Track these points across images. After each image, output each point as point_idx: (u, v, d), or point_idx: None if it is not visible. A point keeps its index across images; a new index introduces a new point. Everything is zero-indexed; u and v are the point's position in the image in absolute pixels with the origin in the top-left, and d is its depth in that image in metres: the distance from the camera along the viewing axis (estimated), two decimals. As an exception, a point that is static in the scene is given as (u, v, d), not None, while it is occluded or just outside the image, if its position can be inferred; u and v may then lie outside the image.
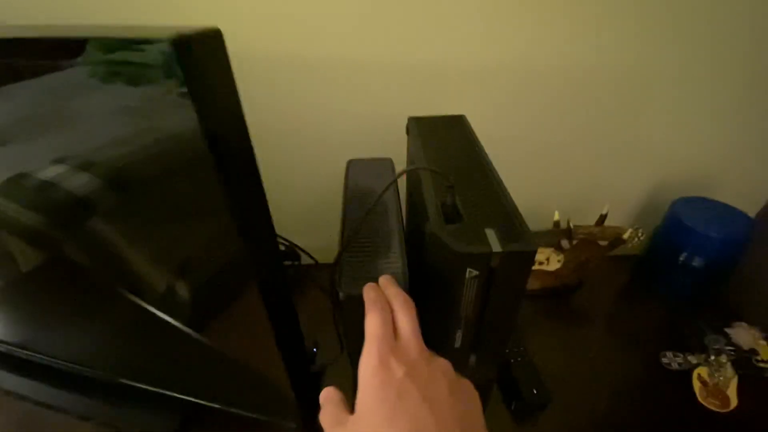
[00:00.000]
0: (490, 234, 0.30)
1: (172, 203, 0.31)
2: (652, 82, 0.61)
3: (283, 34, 0.55)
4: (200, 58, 0.20)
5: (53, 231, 0.38)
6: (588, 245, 0.66)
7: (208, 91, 0.21)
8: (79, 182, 0.32)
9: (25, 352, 0.55)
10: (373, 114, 0.62)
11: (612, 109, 0.63)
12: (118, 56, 0.23)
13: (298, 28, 0.54)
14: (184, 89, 0.20)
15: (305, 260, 0.73)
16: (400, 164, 0.53)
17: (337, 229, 0.41)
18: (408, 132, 0.51)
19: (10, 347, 0.56)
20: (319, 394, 0.29)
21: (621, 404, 0.54)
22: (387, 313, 0.28)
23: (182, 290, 0.37)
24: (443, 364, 0.26)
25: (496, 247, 0.29)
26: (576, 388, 0.55)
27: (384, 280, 0.31)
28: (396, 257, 0.37)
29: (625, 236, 0.62)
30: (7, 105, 0.31)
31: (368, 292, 0.30)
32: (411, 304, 0.29)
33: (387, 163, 0.53)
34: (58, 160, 0.32)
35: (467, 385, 0.27)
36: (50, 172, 0.33)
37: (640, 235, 0.62)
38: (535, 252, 0.29)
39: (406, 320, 0.28)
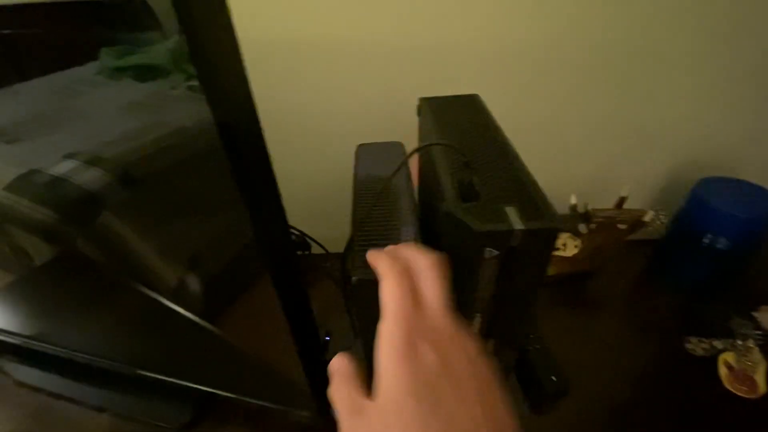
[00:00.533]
0: (510, 211, 0.28)
1: (182, 191, 0.31)
2: (669, 58, 0.58)
3: (285, 15, 0.53)
4: (200, 9, 0.19)
5: (66, 225, 0.38)
6: (606, 229, 0.64)
7: (209, 50, 0.20)
8: (91, 176, 0.32)
9: (41, 344, 0.55)
10: (381, 97, 0.60)
11: (629, 87, 0.61)
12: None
13: (299, 8, 0.53)
14: (185, 49, 0.19)
15: (315, 250, 0.72)
16: (412, 147, 0.52)
17: (348, 217, 0.40)
18: (419, 113, 0.50)
19: (25, 339, 0.56)
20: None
21: (643, 392, 0.52)
22: (407, 280, 0.23)
23: (196, 282, 0.37)
24: (476, 348, 0.23)
25: (517, 224, 0.27)
26: (596, 376, 0.54)
27: (399, 245, 0.27)
28: (410, 240, 0.35)
29: (646, 219, 0.60)
30: (16, 103, 0.31)
31: (378, 256, 0.25)
32: (438, 263, 0.24)
33: (398, 147, 0.51)
34: (69, 155, 0.32)
35: (494, 378, 0.23)
36: (62, 168, 0.33)
37: (662, 217, 0.60)
38: (559, 229, 0.28)
39: (433, 286, 0.23)
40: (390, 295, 0.23)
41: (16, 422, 0.53)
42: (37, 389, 0.56)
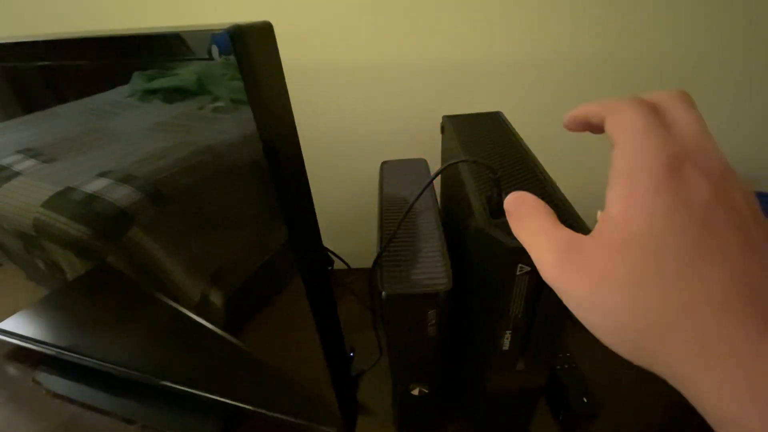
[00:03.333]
0: (541, 227, 0.28)
1: (220, 209, 0.32)
2: (701, 68, 0.57)
3: (309, 38, 0.55)
4: (255, 49, 0.20)
5: (98, 241, 0.39)
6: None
7: (261, 83, 0.21)
8: (122, 193, 0.33)
9: (73, 354, 0.57)
10: (404, 115, 0.61)
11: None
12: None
13: (323, 32, 0.55)
14: (239, 82, 0.20)
15: (337, 265, 0.72)
16: (435, 164, 0.52)
17: (370, 233, 0.41)
18: (443, 131, 0.51)
19: (59, 350, 0.58)
20: (356, 399, 0.26)
21: (678, 418, 0.50)
22: (649, 110, 0.17)
23: (226, 297, 0.38)
24: (752, 195, 0.16)
25: (549, 240, 0.27)
26: (628, 397, 0.52)
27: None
28: (437, 255, 0.35)
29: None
30: (54, 125, 0.33)
31: (590, 104, 0.19)
32: (683, 93, 0.18)
33: (421, 164, 0.52)
34: (101, 174, 0.33)
35: None
36: (95, 186, 0.35)
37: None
38: (591, 245, 0.27)
39: (688, 115, 0.17)
40: (627, 121, 0.16)
41: (48, 432, 0.54)
42: (68, 400, 0.57)
